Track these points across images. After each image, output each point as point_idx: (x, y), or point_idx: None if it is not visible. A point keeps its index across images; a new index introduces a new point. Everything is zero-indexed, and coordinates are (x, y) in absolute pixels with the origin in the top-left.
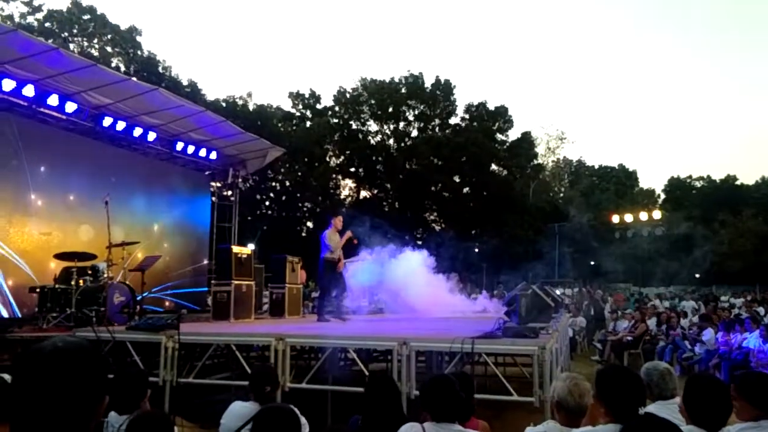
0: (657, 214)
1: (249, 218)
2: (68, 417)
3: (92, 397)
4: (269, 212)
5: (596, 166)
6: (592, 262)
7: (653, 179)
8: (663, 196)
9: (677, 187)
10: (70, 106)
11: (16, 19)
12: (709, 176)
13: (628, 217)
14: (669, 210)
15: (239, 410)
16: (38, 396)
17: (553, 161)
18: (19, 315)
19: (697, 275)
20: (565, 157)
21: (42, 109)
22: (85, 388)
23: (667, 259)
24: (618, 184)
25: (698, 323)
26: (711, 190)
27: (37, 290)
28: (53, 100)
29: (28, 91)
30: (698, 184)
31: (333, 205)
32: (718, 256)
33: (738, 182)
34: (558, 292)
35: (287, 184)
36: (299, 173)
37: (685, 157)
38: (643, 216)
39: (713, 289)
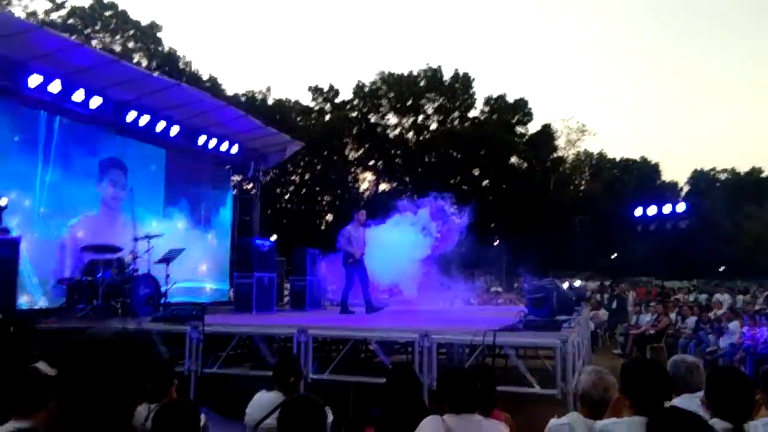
0: (681, 207)
1: (269, 211)
2: (117, 404)
3: (138, 386)
4: (289, 205)
5: (618, 159)
6: (614, 255)
7: (676, 172)
8: (686, 188)
9: (701, 180)
10: (95, 101)
11: (40, 16)
12: (733, 168)
13: (651, 210)
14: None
15: (264, 400)
16: (90, 384)
17: (573, 154)
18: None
19: (722, 269)
20: (585, 149)
21: (67, 105)
22: (132, 378)
23: (690, 252)
24: (640, 177)
25: (725, 315)
26: (735, 182)
27: (65, 282)
28: (79, 95)
29: (55, 86)
30: (722, 176)
31: (352, 198)
32: (742, 250)
33: (763, 174)
34: (578, 284)
35: (306, 177)
36: (318, 167)
37: (708, 149)
38: (667, 209)
39: (737, 283)
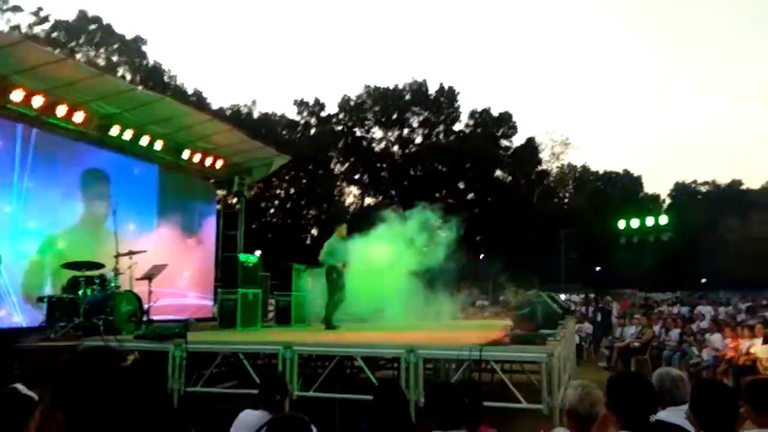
0: (663, 219)
1: (254, 226)
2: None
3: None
4: (274, 220)
5: (601, 171)
6: (598, 268)
7: (658, 184)
8: (668, 201)
9: (682, 192)
10: (78, 116)
11: (24, 29)
12: (714, 181)
13: (634, 223)
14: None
15: (249, 419)
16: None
17: (557, 167)
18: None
19: (704, 280)
20: (569, 162)
21: (50, 119)
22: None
23: (673, 264)
24: (623, 189)
25: (706, 328)
26: (716, 194)
27: (45, 299)
28: (61, 110)
29: (37, 101)
30: (704, 188)
31: (338, 212)
32: (724, 261)
33: (743, 187)
34: (563, 297)
35: (292, 191)
36: (304, 180)
37: (690, 162)
38: (649, 221)
39: (720, 294)
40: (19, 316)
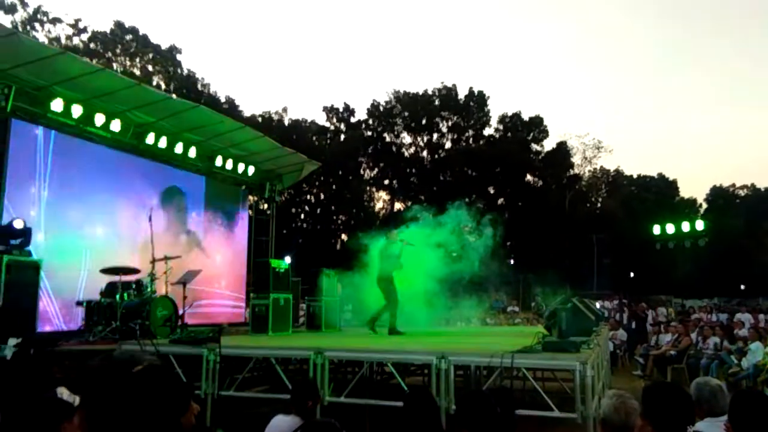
0: (700, 225)
1: (284, 231)
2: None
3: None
4: (304, 225)
5: (635, 176)
6: (632, 274)
7: (695, 188)
8: (705, 205)
9: (720, 196)
10: (115, 125)
11: (63, 41)
12: (753, 185)
13: (670, 228)
14: (712, 220)
15: (281, 424)
16: (120, 411)
17: (589, 171)
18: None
19: (743, 287)
20: (602, 166)
21: (89, 128)
22: (166, 404)
23: (710, 270)
24: (658, 194)
25: (746, 336)
26: (756, 198)
27: (84, 304)
28: (99, 119)
29: (76, 110)
30: (742, 192)
31: (367, 217)
32: (763, 267)
33: None
34: (597, 304)
35: (322, 197)
36: (333, 186)
37: (727, 166)
38: (685, 226)
39: (760, 301)
40: (58, 319)
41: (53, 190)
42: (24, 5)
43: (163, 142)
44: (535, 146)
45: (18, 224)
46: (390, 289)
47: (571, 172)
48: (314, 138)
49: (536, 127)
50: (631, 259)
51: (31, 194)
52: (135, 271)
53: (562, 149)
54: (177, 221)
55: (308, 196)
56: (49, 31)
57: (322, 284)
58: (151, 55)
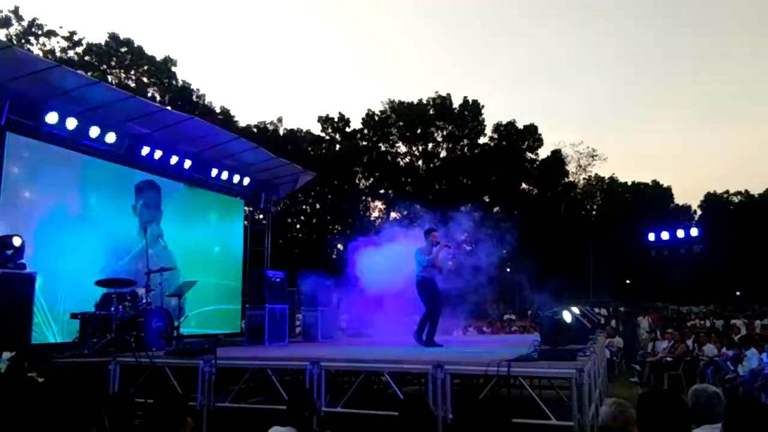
0: (694, 231)
1: (280, 241)
2: None
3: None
4: (300, 235)
5: (629, 183)
6: (628, 281)
7: (689, 195)
8: (699, 212)
9: (714, 203)
10: (110, 137)
11: (58, 54)
12: (747, 191)
13: (664, 235)
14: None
15: None
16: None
17: (584, 179)
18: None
19: (738, 293)
20: (596, 174)
21: (83, 140)
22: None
23: (705, 276)
24: (652, 201)
25: (741, 343)
26: (750, 205)
27: (79, 316)
28: (94, 131)
29: (71, 123)
30: (736, 199)
31: (363, 227)
32: (758, 273)
33: None
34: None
35: (317, 207)
36: (329, 196)
37: (721, 172)
38: (680, 233)
39: (755, 307)
40: (52, 332)
41: (48, 202)
42: (19, 19)
43: (157, 154)
44: (529, 155)
45: (17, 241)
46: (428, 296)
47: (566, 180)
48: (309, 148)
49: (531, 135)
50: (627, 266)
51: (26, 207)
52: (130, 282)
53: (557, 157)
54: (170, 233)
55: (304, 206)
56: (44, 44)
57: (318, 294)
58: (146, 67)
